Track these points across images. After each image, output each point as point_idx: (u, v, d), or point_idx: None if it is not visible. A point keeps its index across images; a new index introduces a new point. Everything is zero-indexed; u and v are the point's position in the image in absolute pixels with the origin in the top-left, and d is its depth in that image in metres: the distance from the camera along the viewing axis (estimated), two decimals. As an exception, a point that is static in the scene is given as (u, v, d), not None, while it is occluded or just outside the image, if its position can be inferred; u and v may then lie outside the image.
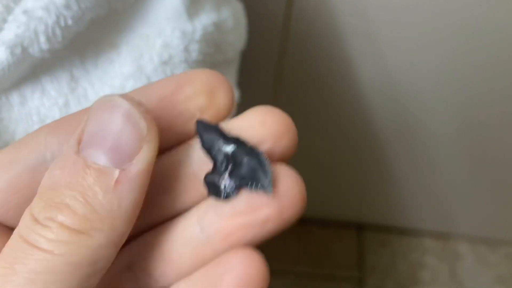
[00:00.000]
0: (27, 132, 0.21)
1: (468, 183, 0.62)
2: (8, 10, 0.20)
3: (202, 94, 0.14)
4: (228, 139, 0.14)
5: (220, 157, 0.14)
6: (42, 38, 0.20)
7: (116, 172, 0.12)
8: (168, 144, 0.15)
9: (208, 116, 0.15)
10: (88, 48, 0.22)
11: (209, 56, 0.24)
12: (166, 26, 0.22)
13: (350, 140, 0.57)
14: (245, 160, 0.14)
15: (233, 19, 0.25)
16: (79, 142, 0.13)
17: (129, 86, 0.21)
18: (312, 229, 0.71)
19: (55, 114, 0.21)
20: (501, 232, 0.68)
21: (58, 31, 0.20)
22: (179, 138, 0.15)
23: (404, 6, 0.43)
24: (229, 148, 0.14)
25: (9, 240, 0.12)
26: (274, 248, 0.72)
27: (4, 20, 0.20)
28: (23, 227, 0.12)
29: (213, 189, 0.14)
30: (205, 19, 0.23)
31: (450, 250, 0.70)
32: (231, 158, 0.14)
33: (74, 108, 0.21)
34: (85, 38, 0.22)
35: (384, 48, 0.47)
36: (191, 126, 0.14)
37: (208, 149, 0.14)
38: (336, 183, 0.64)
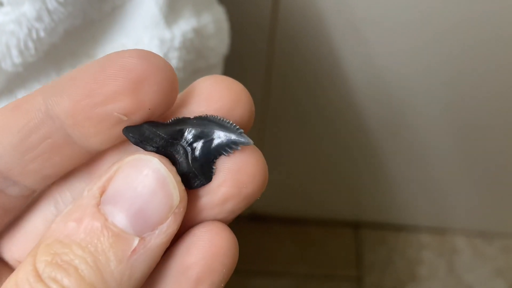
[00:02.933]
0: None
1: (462, 177, 0.62)
2: (-22, 24, 0.20)
3: (126, 93, 0.11)
4: (169, 128, 0.12)
5: (174, 149, 0.13)
6: (14, 52, 0.19)
7: (136, 241, 0.11)
8: (97, 150, 0.13)
9: (138, 119, 0.12)
10: (64, 60, 0.21)
11: (190, 63, 0.23)
12: (143, 35, 0.22)
13: (343, 139, 0.57)
14: (204, 132, 0.12)
15: (214, 24, 0.25)
16: (102, 192, 0.12)
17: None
18: (309, 229, 0.70)
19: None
20: (497, 224, 0.68)
21: (30, 44, 0.19)
22: (108, 143, 0.13)
23: (392, 3, 0.43)
24: (177, 136, 0.12)
25: (5, 284, 0.11)
26: (271, 250, 0.72)
27: (-25, 35, 0.20)
28: (23, 279, 0.11)
29: (189, 182, 0.13)
30: (184, 25, 0.23)
31: (447, 245, 0.70)
32: (185, 144, 0.13)
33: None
34: (61, 50, 0.21)
35: (373, 47, 0.46)
36: (119, 130, 0.12)
37: (156, 150, 0.12)
38: (331, 182, 0.64)
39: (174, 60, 0.22)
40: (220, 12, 0.27)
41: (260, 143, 0.56)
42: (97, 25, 0.22)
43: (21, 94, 0.21)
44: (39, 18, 0.19)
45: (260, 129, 0.55)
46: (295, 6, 0.43)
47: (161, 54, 0.21)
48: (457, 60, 0.47)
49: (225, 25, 0.27)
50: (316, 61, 0.48)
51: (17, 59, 0.19)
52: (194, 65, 0.24)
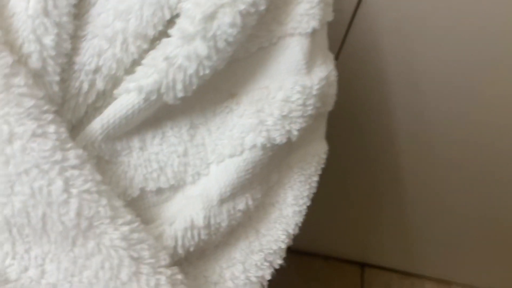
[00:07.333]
0: (146, 179, 0.20)
1: (472, 234, 0.62)
2: (140, 52, 0.19)
3: None
4: None
5: None
6: (179, 86, 0.19)
7: None
8: None
9: None
10: (207, 94, 0.21)
11: (317, 110, 0.23)
12: (286, 79, 0.22)
13: (356, 182, 0.57)
14: None
15: (335, 72, 0.25)
16: None
17: (249, 138, 0.21)
18: (315, 264, 0.70)
19: (174, 162, 0.20)
20: (503, 284, 0.69)
21: (195, 80, 0.19)
22: None
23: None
24: None
25: None
26: (274, 279, 0.71)
27: (135, 63, 0.19)
28: None
29: None
30: (320, 73, 0.23)
31: (451, 297, 0.70)
32: None
33: (192, 157, 0.20)
34: (206, 85, 0.21)
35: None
36: None
37: None
38: (342, 222, 0.64)
39: (310, 107, 0.22)
40: (333, 60, 0.27)
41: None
42: (241, 63, 0.22)
43: (166, 125, 0.20)
44: (209, 57, 0.19)
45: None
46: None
47: (301, 101, 0.22)
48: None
49: (336, 73, 0.27)
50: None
51: (180, 93, 0.19)
52: (318, 111, 0.24)
